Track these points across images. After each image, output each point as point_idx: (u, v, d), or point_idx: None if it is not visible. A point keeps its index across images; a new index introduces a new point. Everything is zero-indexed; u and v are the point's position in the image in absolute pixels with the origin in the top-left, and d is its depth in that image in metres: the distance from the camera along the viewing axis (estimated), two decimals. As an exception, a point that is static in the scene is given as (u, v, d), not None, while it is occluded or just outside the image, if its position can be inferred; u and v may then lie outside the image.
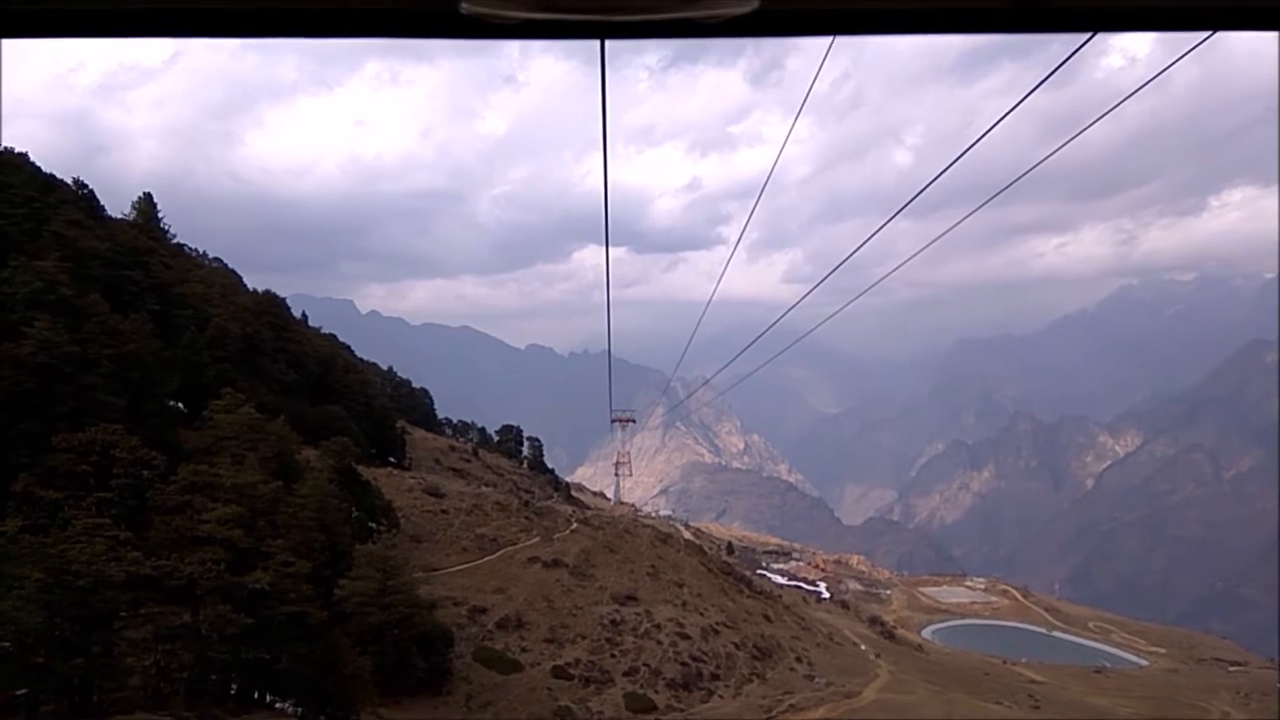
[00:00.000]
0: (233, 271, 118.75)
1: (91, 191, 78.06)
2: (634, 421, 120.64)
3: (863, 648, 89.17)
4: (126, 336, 46.04)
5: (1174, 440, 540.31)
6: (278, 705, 35.45)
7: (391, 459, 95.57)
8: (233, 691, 32.87)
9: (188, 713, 28.08)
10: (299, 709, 35.14)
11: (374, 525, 60.40)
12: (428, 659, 45.24)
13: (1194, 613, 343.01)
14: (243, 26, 1.95)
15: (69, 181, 76.11)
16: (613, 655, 56.68)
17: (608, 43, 2.35)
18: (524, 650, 54.55)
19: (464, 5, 1.74)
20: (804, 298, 22.00)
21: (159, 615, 28.21)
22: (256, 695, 33.78)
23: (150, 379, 47.30)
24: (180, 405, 55.66)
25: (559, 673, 52.81)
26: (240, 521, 31.88)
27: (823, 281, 20.17)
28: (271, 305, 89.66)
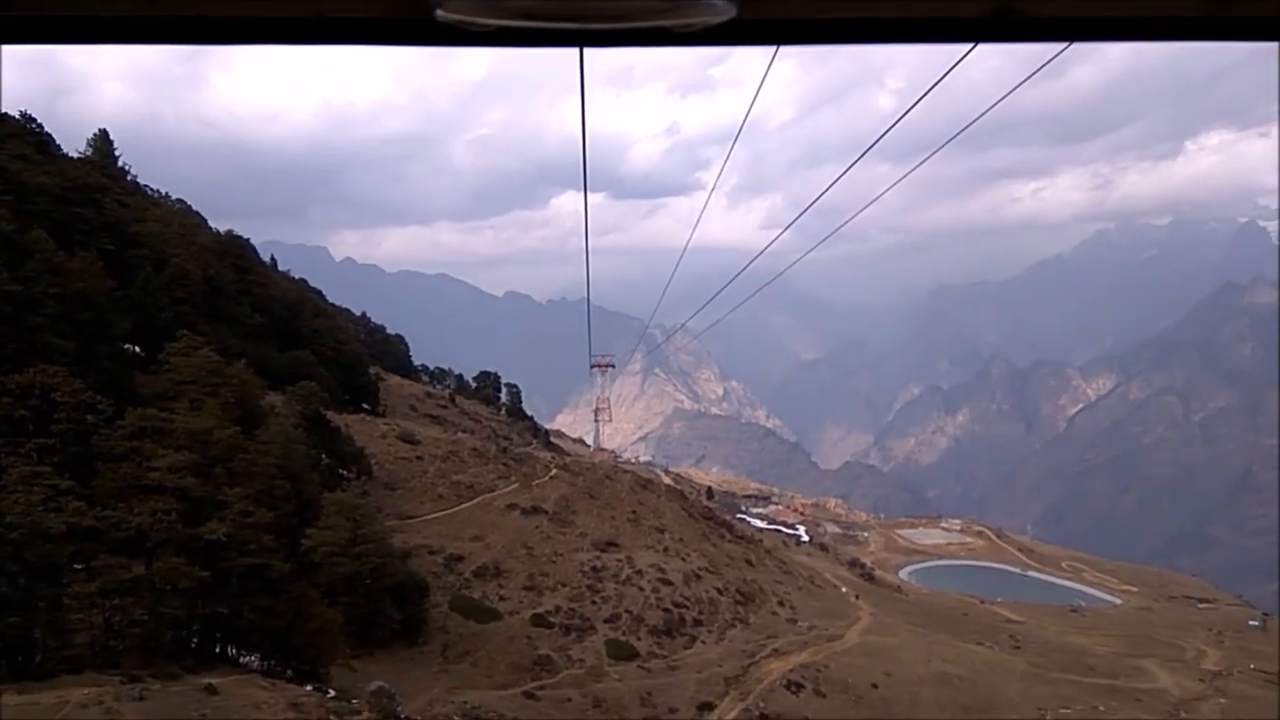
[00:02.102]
0: (196, 213, 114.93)
1: (40, 126, 73.94)
2: (613, 367, 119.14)
3: (843, 590, 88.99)
4: (75, 275, 43.38)
5: (1146, 383, 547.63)
6: (243, 659, 33.83)
7: (365, 405, 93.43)
8: (193, 646, 31.09)
9: (141, 670, 26.27)
10: (266, 663, 33.53)
11: (344, 472, 58.47)
12: (402, 609, 43.70)
13: (1163, 551, 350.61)
14: (218, 34, 1.96)
15: (16, 115, 72.11)
16: (593, 602, 55.47)
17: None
18: (502, 599, 53.18)
19: (439, 13, 1.73)
20: (773, 241, 22.58)
21: (106, 569, 26.19)
22: (219, 650, 32.05)
23: (102, 320, 44.81)
24: (136, 349, 53.11)
25: (539, 621, 51.53)
26: (194, 469, 29.77)
27: (792, 224, 20.23)
28: (234, 247, 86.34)
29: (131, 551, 28.64)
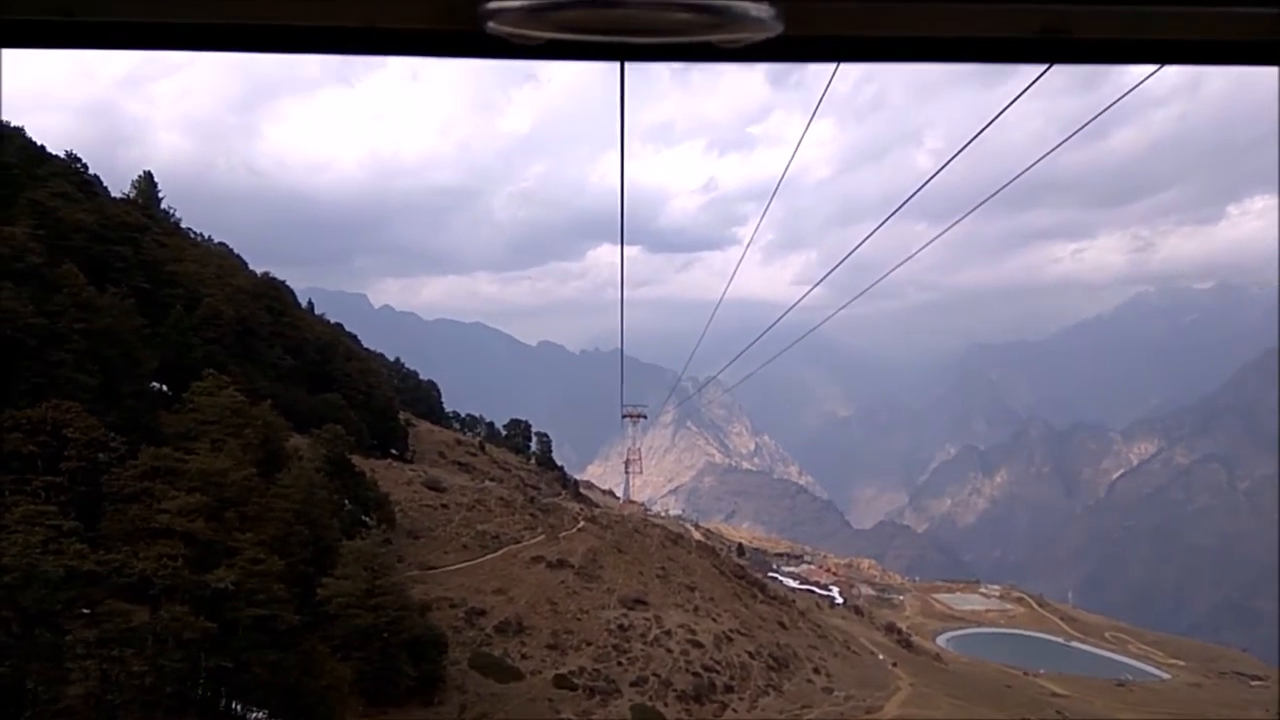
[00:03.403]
0: (237, 256, 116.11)
1: (85, 166, 74.99)
2: (645, 417, 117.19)
3: (880, 657, 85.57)
4: (103, 311, 42.74)
5: (1189, 449, 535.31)
6: (251, 716, 32.11)
7: (393, 450, 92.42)
8: (196, 700, 29.40)
9: (136, 728, 24.66)
10: (273, 720, 31.78)
11: (366, 519, 57.01)
12: (418, 665, 41.75)
13: (1206, 623, 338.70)
14: (271, 43, 1.97)
15: (61, 155, 73.14)
16: (619, 664, 53.10)
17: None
18: (524, 657, 51.00)
19: (490, 25, 1.75)
20: (804, 296, 23.07)
21: (105, 617, 24.72)
22: (223, 705, 30.34)
23: (128, 357, 44.01)
24: (163, 387, 52.45)
25: (561, 682, 49.25)
26: (205, 512, 28.41)
27: (823, 280, 20.45)
28: (270, 289, 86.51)
29: (136, 598, 27.26)
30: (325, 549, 41.04)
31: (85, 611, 25.75)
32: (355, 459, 64.92)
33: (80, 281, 42.69)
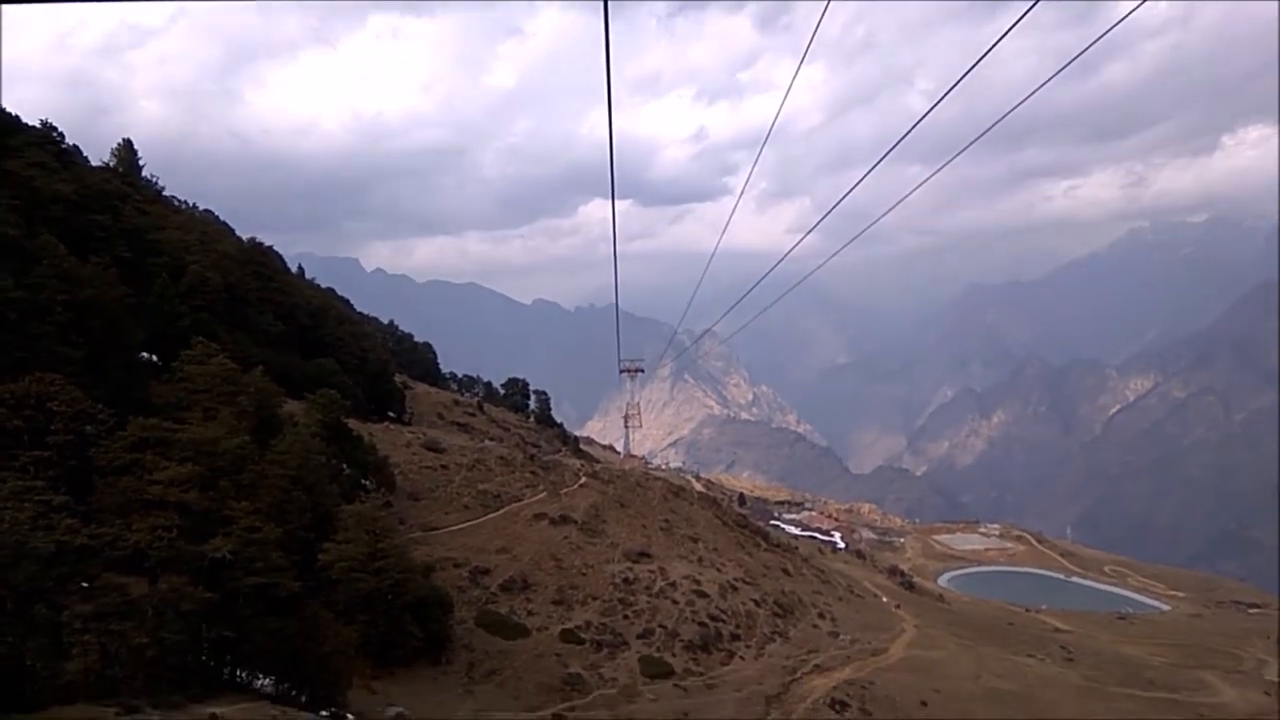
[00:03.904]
0: (223, 223, 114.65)
1: (61, 135, 73.23)
2: (642, 371, 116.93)
3: (884, 600, 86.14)
4: (85, 282, 41.71)
5: (1185, 383, 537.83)
6: (258, 683, 31.88)
7: (390, 413, 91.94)
8: (200, 671, 29.09)
9: (138, 700, 24.31)
10: (280, 687, 31.53)
11: (365, 483, 56.60)
12: (424, 626, 41.55)
13: (1204, 554, 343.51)
14: None
15: (36, 124, 71.40)
16: (626, 617, 53.12)
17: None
18: (530, 614, 50.96)
19: None
20: (795, 245, 23.28)
21: (101, 591, 24.27)
22: (228, 674, 30.06)
23: (114, 328, 43.11)
24: (153, 357, 51.66)
25: (568, 636, 49.25)
26: (199, 482, 27.84)
27: (816, 226, 20.56)
28: (257, 254, 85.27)
29: (133, 570, 26.84)
30: (324, 514, 40.60)
31: (83, 585, 25.36)
32: (352, 423, 64.38)
33: (61, 252, 41.64)
